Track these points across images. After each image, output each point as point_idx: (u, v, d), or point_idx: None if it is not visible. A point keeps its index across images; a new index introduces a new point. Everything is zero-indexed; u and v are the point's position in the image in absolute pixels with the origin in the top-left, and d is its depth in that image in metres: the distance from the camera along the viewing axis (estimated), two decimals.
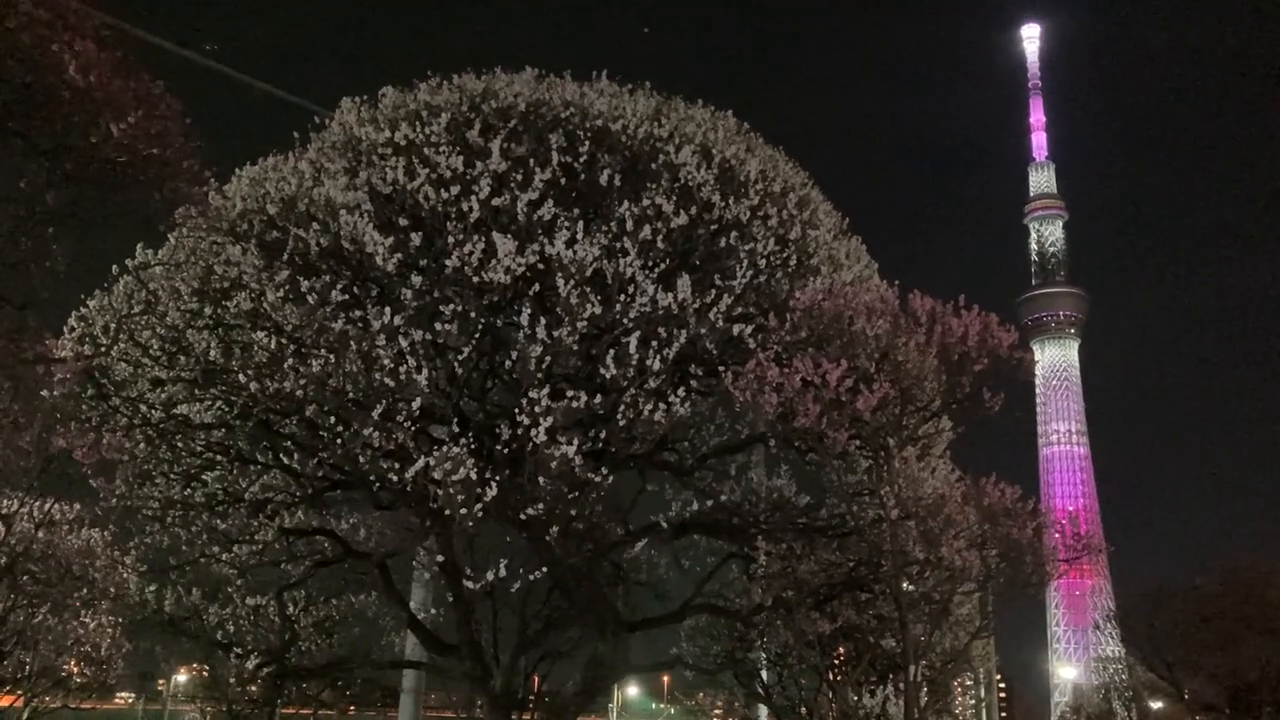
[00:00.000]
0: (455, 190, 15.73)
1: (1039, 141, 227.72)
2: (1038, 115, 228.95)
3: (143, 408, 16.64)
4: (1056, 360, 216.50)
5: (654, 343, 15.47)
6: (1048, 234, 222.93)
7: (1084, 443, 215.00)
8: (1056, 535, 19.92)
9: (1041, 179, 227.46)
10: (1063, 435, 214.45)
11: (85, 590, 23.01)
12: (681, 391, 15.92)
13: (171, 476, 17.38)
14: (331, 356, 15.05)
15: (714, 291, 16.28)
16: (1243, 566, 47.47)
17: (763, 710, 25.71)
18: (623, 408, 15.50)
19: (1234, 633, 44.65)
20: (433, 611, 22.21)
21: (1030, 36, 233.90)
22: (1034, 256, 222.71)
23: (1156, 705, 59.86)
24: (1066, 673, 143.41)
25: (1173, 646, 48.39)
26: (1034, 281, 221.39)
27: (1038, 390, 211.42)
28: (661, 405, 15.56)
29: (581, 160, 16.69)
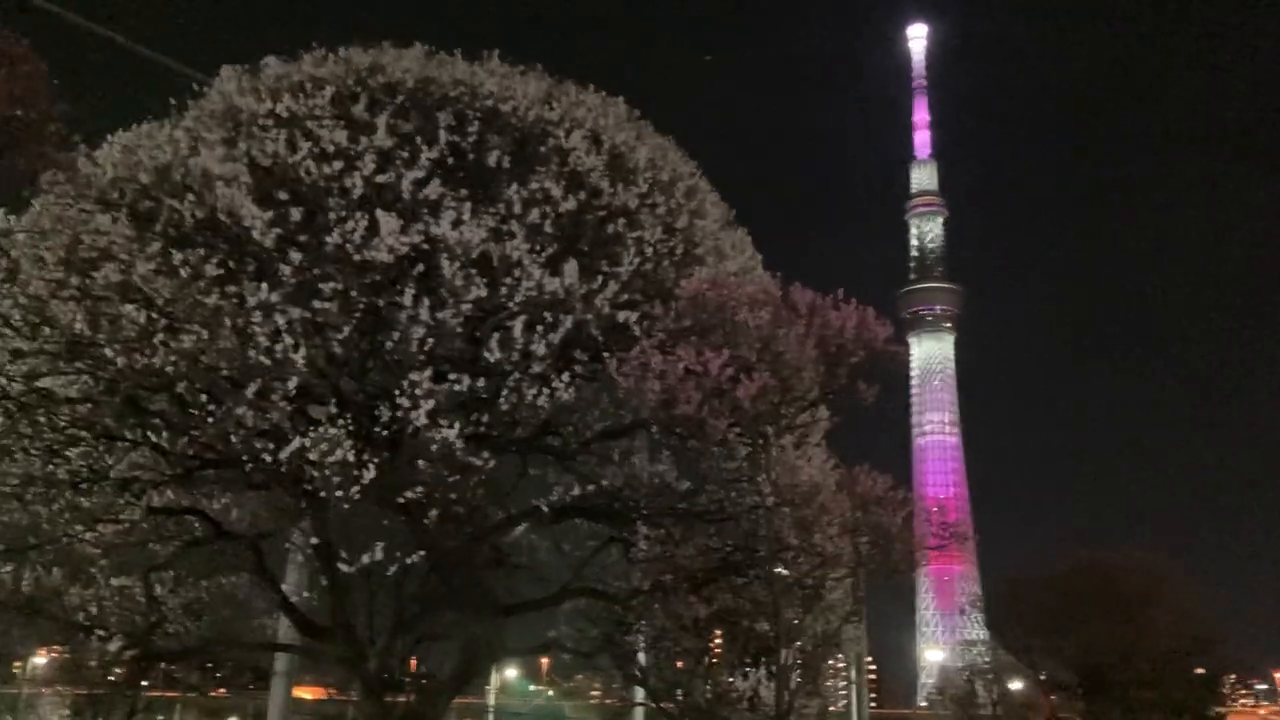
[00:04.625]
0: (338, 165, 15.41)
1: (922, 140, 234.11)
2: (921, 114, 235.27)
3: (2, 380, 15.89)
4: (932, 353, 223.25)
5: (539, 327, 15.46)
6: (927, 230, 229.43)
7: (956, 433, 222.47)
8: (926, 523, 20.60)
9: (923, 176, 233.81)
10: (935, 426, 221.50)
11: None
12: (565, 376, 15.94)
13: (32, 452, 16.60)
14: (205, 332, 14.62)
15: (600, 278, 16.33)
16: (1095, 555, 50.06)
17: (639, 692, 25.96)
18: (506, 391, 15.46)
19: (1085, 617, 47.05)
20: (306, 594, 21.77)
21: (916, 37, 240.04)
22: (913, 252, 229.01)
23: (1016, 686, 62.57)
24: (934, 655, 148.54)
25: (1031, 630, 50.72)
26: (912, 277, 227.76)
27: (913, 382, 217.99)
28: (545, 390, 15.58)
29: (470, 140, 16.53)
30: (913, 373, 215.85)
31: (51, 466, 16.69)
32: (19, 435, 16.42)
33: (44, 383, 16.08)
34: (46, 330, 15.52)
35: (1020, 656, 54.08)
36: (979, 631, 66.30)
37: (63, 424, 16.46)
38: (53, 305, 15.37)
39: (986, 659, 62.14)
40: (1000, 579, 60.54)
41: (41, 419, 16.28)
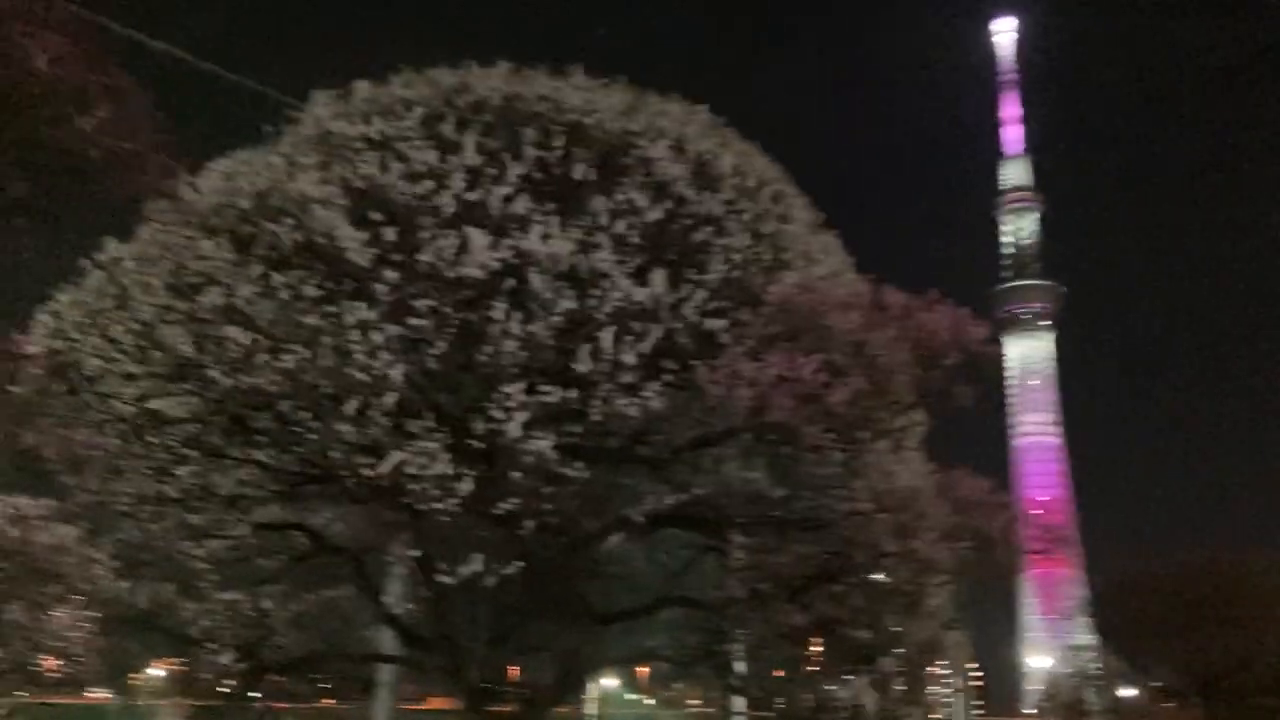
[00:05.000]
0: (429, 185, 15.72)
1: (1013, 135, 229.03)
2: (1011, 108, 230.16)
3: (114, 403, 16.53)
4: (1030, 352, 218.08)
5: (628, 337, 15.53)
6: (1022, 227, 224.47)
7: (1058, 433, 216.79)
8: (1029, 526, 20.12)
9: (1015, 172, 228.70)
10: (1035, 426, 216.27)
11: (57, 586, 22.87)
12: (655, 386, 15.97)
13: (144, 471, 17.22)
14: (305, 351, 15.02)
15: (688, 286, 16.35)
16: (1208, 556, 48.26)
17: (738, 701, 25.82)
18: (597, 402, 15.55)
19: (1200, 621, 45.41)
20: (408, 606, 22.16)
21: (1004, 30, 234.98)
22: (1007, 250, 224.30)
23: (1128, 693, 60.67)
24: (1040, 661, 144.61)
25: (1142, 635, 49.13)
26: (1007, 274, 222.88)
27: (1011, 382, 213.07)
28: (635, 399, 15.63)
29: (556, 154, 16.70)
30: (1010, 373, 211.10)
31: (162, 485, 17.30)
32: (131, 456, 17.05)
33: (154, 404, 16.67)
34: (155, 353, 16.10)
35: (1131, 662, 52.41)
36: (1086, 636, 64.40)
37: (172, 444, 17.04)
38: (160, 329, 15.94)
39: (1095, 665, 60.34)
40: (1108, 582, 58.66)
41: (152, 439, 16.89)
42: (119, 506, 17.44)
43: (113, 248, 16.34)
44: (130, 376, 16.45)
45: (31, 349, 15.58)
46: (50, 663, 27.00)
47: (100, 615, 23.04)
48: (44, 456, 16.47)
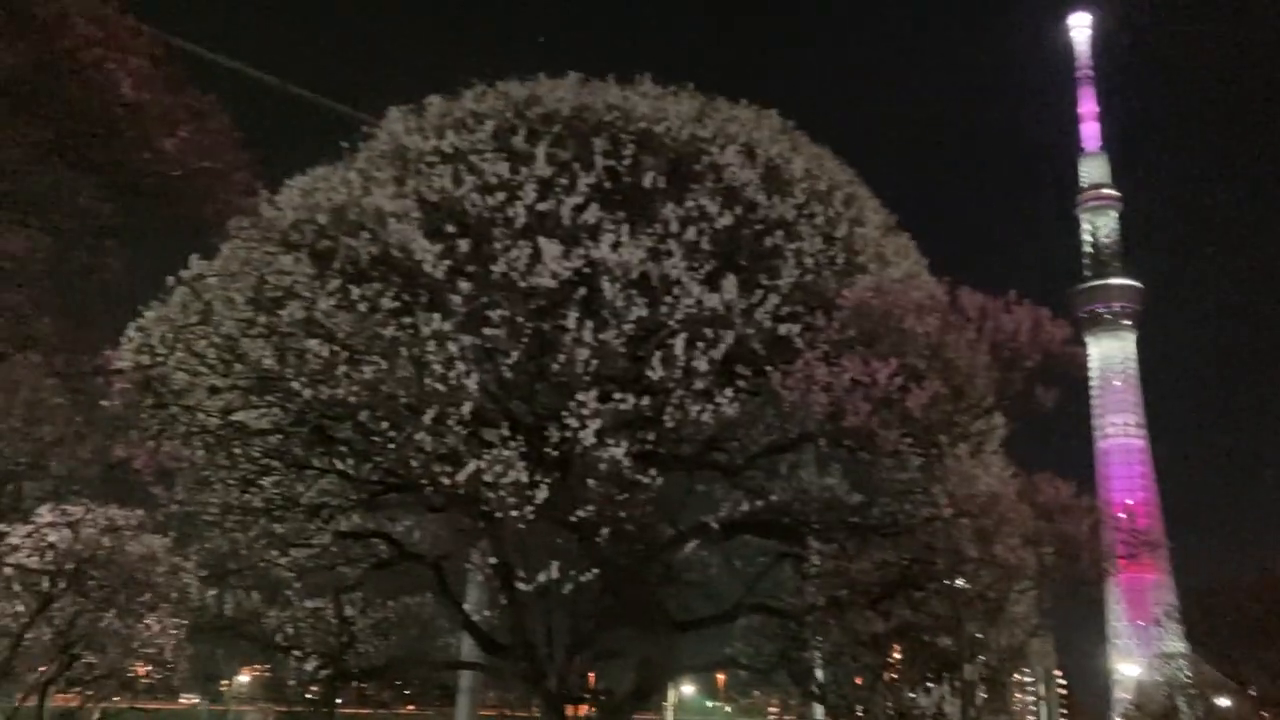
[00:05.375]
0: (501, 196, 15.89)
1: (1090, 131, 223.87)
2: (1088, 105, 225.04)
3: (200, 415, 16.94)
4: (1112, 352, 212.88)
5: (700, 343, 15.50)
6: (1101, 225, 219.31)
7: (1142, 435, 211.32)
8: (1114, 530, 19.64)
9: (1093, 169, 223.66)
10: (1119, 428, 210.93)
11: (148, 594, 23.53)
12: (729, 392, 15.91)
13: (229, 482, 17.66)
14: (383, 362, 15.26)
15: (760, 291, 16.27)
16: None
17: (818, 709, 25.58)
18: (670, 409, 15.54)
19: None
20: (486, 613, 22.35)
21: (1079, 26, 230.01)
22: (1087, 248, 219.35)
23: (1223, 703, 58.73)
24: (1128, 669, 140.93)
25: (1236, 642, 47.52)
26: (1087, 274, 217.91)
27: (1094, 383, 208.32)
28: (709, 406, 15.59)
29: (625, 163, 16.77)
30: (1092, 374, 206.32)
31: (247, 495, 17.71)
32: (217, 467, 17.48)
33: (238, 416, 17.07)
34: (238, 367, 16.49)
35: (1226, 670, 50.73)
36: (1177, 644, 62.58)
37: (256, 455, 17.43)
38: (243, 343, 16.32)
39: (1187, 673, 58.59)
40: (1199, 588, 56.92)
41: (237, 451, 17.29)
42: (206, 516, 17.87)
43: (196, 264, 16.77)
44: (215, 390, 16.85)
45: (121, 364, 16.03)
46: (142, 669, 27.82)
47: (189, 623, 23.65)
48: (134, 468, 16.92)
